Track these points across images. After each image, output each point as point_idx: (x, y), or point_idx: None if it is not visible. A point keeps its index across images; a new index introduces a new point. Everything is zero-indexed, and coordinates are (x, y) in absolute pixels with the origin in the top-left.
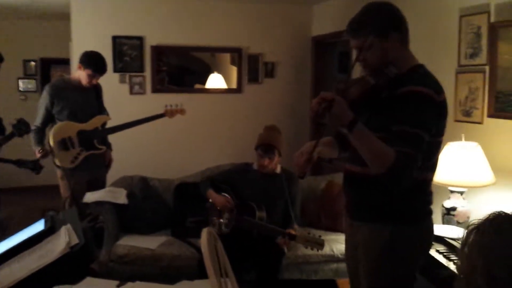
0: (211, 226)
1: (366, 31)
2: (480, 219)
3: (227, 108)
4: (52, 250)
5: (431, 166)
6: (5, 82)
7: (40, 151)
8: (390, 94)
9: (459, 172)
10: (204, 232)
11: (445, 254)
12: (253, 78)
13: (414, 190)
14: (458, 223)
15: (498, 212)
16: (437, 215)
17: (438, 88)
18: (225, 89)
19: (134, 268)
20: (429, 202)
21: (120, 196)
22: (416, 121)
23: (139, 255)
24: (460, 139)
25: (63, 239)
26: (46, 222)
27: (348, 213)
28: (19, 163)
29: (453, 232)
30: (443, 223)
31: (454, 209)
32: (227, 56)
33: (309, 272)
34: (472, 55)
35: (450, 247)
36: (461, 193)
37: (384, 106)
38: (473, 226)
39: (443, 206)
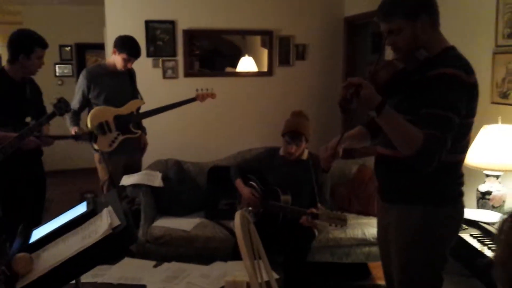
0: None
1: (396, 14)
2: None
3: (258, 91)
4: (95, 232)
5: (463, 147)
6: (42, 67)
7: (76, 130)
8: (421, 77)
9: (495, 155)
10: (238, 215)
11: (479, 238)
12: (284, 61)
13: (445, 172)
14: (494, 208)
15: None
16: (472, 199)
17: (468, 69)
18: (256, 72)
19: (170, 249)
20: (461, 183)
21: (156, 179)
22: (446, 103)
23: (174, 236)
24: (496, 122)
25: (105, 221)
26: (88, 205)
27: (380, 195)
28: (76, 137)
29: (488, 217)
30: (478, 207)
31: (489, 193)
32: (257, 39)
33: (341, 255)
34: (510, 35)
35: (485, 232)
36: (497, 177)
37: (414, 89)
38: (509, 212)
39: (478, 190)
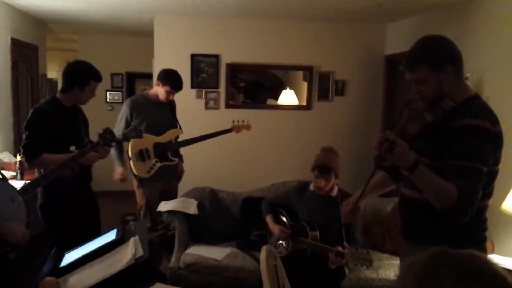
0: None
1: (422, 65)
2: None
3: (296, 124)
4: (119, 260)
5: (488, 194)
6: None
7: (122, 174)
8: (446, 126)
9: None
10: (264, 250)
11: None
12: (324, 96)
13: (473, 216)
14: None
15: (433, 253)
16: (506, 246)
17: (493, 120)
18: (295, 105)
19: (201, 277)
20: (485, 228)
21: (191, 207)
22: (475, 154)
23: (205, 264)
24: None
25: (130, 251)
26: (117, 232)
27: (403, 236)
28: (125, 136)
29: None
30: None
31: None
32: (299, 72)
33: None
34: None
35: None
36: None
37: (439, 137)
38: (408, 263)
39: None
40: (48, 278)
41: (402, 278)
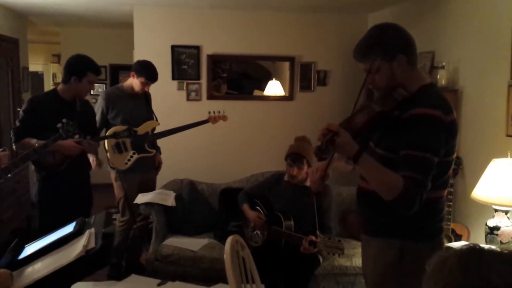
0: (247, 238)
1: (373, 54)
2: (451, 248)
3: (278, 115)
4: (72, 252)
5: (442, 184)
6: None
7: (95, 160)
8: (399, 116)
9: (505, 190)
10: (229, 240)
11: None
12: (306, 86)
13: (426, 208)
14: (501, 243)
15: (471, 246)
16: (480, 234)
17: (446, 108)
18: (277, 96)
19: (177, 268)
20: (440, 220)
21: (169, 199)
22: (424, 144)
23: (182, 255)
24: (506, 156)
25: (83, 243)
26: (76, 225)
27: (362, 228)
28: (116, 135)
29: None
30: (486, 242)
31: (498, 228)
32: (286, 63)
33: (346, 283)
34: None
35: None
36: (506, 212)
37: (393, 128)
38: (441, 255)
39: (486, 225)
40: (1, 270)
41: (438, 273)
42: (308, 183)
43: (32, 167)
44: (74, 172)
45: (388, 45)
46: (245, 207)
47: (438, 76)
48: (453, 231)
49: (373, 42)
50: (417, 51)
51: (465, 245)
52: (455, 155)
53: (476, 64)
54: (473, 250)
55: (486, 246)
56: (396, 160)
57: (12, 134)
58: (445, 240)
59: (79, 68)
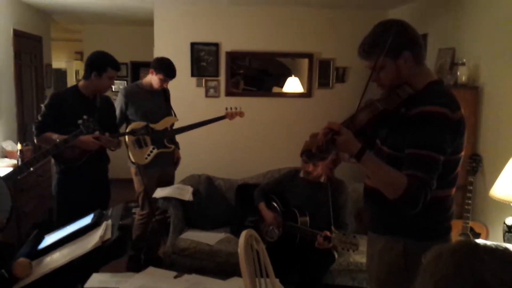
0: (263, 234)
1: (378, 52)
2: (447, 243)
3: (296, 112)
4: (89, 243)
5: (450, 182)
6: None
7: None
8: (404, 114)
9: None
10: (243, 234)
11: None
12: (324, 83)
13: (432, 207)
14: None
15: (466, 242)
16: (498, 233)
17: (453, 106)
18: (295, 93)
19: (194, 261)
20: (448, 218)
21: (186, 193)
22: (430, 143)
23: (198, 249)
24: None
25: (99, 234)
26: (93, 217)
27: (368, 226)
28: (134, 132)
29: None
30: (504, 241)
31: None
32: (306, 60)
33: (361, 280)
34: None
35: None
36: None
37: (400, 125)
38: (437, 249)
39: (504, 223)
40: (21, 259)
41: (432, 268)
42: (323, 179)
43: (52, 160)
44: (93, 166)
45: (392, 42)
46: (262, 206)
47: (458, 73)
48: (471, 229)
49: (378, 39)
50: (423, 48)
51: (461, 240)
52: (463, 153)
53: (497, 60)
54: (468, 245)
55: (483, 242)
56: (402, 159)
57: (34, 128)
58: (463, 238)
59: (100, 64)
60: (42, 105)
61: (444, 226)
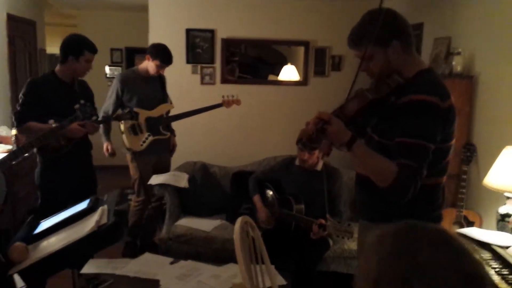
0: (258, 221)
1: (366, 41)
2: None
3: (292, 100)
4: (85, 227)
5: (440, 170)
6: (94, 68)
7: (109, 148)
8: (394, 103)
9: None
10: (238, 221)
11: (488, 262)
12: (320, 71)
13: (422, 195)
14: None
15: (408, 224)
16: (492, 221)
17: (443, 94)
18: (291, 81)
19: (190, 248)
20: (438, 207)
21: (182, 180)
22: (419, 131)
23: (194, 235)
24: None
25: (95, 219)
26: (89, 202)
27: (359, 213)
28: (118, 116)
29: (503, 240)
30: (497, 229)
31: (509, 215)
32: (302, 48)
33: (356, 267)
34: None
35: (496, 255)
36: None
37: (389, 113)
38: (383, 229)
39: (497, 212)
40: (17, 244)
41: (376, 247)
42: (319, 168)
43: (34, 149)
44: (76, 154)
45: (381, 32)
46: (257, 199)
47: (454, 63)
48: (465, 218)
49: (366, 29)
50: (412, 36)
51: (405, 221)
52: (453, 141)
53: (492, 50)
54: (407, 228)
55: (424, 225)
56: (391, 147)
57: (13, 118)
58: (456, 227)
59: (76, 47)
60: (20, 94)
61: (435, 215)
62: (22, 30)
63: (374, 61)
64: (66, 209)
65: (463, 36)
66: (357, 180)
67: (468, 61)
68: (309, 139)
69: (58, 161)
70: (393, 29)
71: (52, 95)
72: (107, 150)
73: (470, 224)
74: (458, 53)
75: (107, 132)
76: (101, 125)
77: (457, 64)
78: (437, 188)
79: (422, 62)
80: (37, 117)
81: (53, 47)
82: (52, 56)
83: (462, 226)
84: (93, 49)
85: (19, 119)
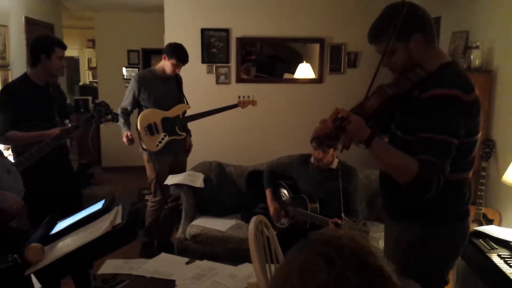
0: (273, 220)
1: (387, 36)
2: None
3: (307, 98)
4: (100, 228)
5: (465, 165)
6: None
7: (129, 135)
8: (417, 97)
9: None
10: (253, 220)
11: (507, 260)
12: (335, 68)
13: (448, 191)
14: None
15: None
16: (511, 219)
17: (466, 87)
18: (306, 79)
19: (205, 248)
20: (465, 203)
21: (198, 180)
22: (442, 126)
23: (210, 235)
24: None
25: (110, 219)
26: (104, 203)
27: (384, 212)
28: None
29: None
30: None
31: None
32: (317, 45)
33: None
34: None
35: None
36: None
37: (413, 108)
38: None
39: None
40: (33, 244)
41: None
42: (334, 166)
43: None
44: (55, 159)
45: (402, 25)
46: (268, 192)
47: (472, 57)
48: (484, 215)
49: (386, 23)
50: (434, 29)
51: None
52: (479, 135)
53: (511, 44)
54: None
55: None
56: (414, 145)
57: None
58: (475, 225)
59: (46, 45)
60: None
61: (462, 210)
62: (41, 34)
63: (396, 56)
64: (82, 210)
65: (481, 30)
66: (381, 178)
67: (487, 55)
68: (327, 137)
69: (37, 168)
70: (414, 22)
71: (28, 100)
72: (127, 136)
73: (489, 221)
74: (477, 47)
75: (128, 123)
76: (120, 118)
77: (476, 58)
78: (464, 183)
79: (445, 55)
80: (17, 124)
81: (71, 50)
82: (70, 58)
83: (481, 224)
84: (62, 45)
85: (1, 129)
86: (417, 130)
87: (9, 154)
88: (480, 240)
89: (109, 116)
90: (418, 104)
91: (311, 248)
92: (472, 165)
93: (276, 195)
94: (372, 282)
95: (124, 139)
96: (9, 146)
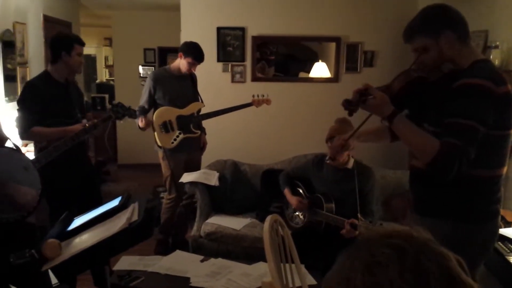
0: (288, 219)
1: (417, 33)
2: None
3: (323, 97)
4: (117, 224)
5: (498, 162)
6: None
7: (143, 120)
8: (446, 89)
9: None
10: (268, 220)
11: None
12: (352, 67)
13: (478, 187)
14: None
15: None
16: None
17: (498, 80)
18: (322, 78)
19: (220, 246)
20: (496, 201)
21: (213, 179)
22: (468, 112)
23: (224, 233)
24: None
25: (126, 215)
26: (121, 200)
27: (413, 208)
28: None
29: None
30: None
31: None
32: (333, 45)
33: None
34: None
35: None
36: None
37: (439, 101)
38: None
39: None
40: (50, 240)
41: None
42: (350, 166)
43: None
44: (74, 156)
45: (433, 24)
46: (287, 191)
47: (491, 56)
48: (503, 218)
49: (419, 23)
50: (468, 27)
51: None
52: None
53: None
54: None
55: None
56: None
57: (17, 126)
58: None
59: (66, 42)
60: (19, 99)
61: (492, 209)
62: (59, 31)
63: (429, 54)
64: (99, 207)
65: (500, 29)
66: (411, 173)
67: (507, 55)
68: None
69: (58, 165)
70: (443, 19)
71: (49, 97)
72: (142, 121)
73: (508, 224)
74: (496, 47)
75: (143, 114)
76: (137, 111)
77: (495, 58)
78: (495, 181)
79: (478, 53)
80: (40, 121)
81: (88, 48)
82: (87, 56)
83: (499, 227)
84: (81, 42)
85: (25, 127)
86: (447, 117)
87: (27, 151)
88: (499, 242)
89: (126, 116)
90: (449, 93)
91: (372, 244)
92: (505, 162)
93: (294, 193)
94: (451, 269)
95: (139, 123)
96: (27, 143)
